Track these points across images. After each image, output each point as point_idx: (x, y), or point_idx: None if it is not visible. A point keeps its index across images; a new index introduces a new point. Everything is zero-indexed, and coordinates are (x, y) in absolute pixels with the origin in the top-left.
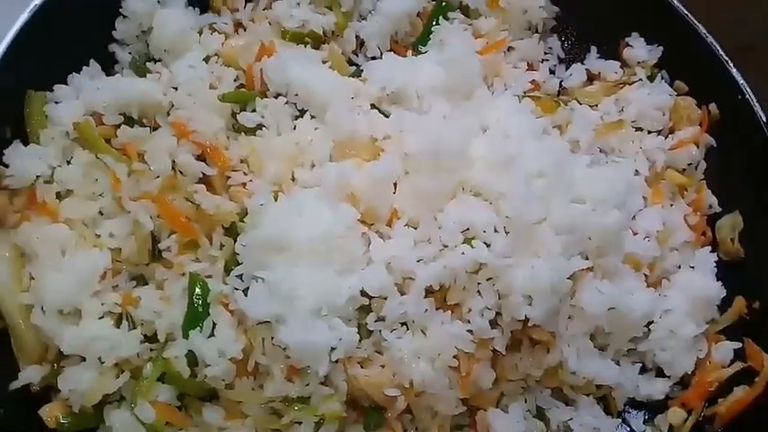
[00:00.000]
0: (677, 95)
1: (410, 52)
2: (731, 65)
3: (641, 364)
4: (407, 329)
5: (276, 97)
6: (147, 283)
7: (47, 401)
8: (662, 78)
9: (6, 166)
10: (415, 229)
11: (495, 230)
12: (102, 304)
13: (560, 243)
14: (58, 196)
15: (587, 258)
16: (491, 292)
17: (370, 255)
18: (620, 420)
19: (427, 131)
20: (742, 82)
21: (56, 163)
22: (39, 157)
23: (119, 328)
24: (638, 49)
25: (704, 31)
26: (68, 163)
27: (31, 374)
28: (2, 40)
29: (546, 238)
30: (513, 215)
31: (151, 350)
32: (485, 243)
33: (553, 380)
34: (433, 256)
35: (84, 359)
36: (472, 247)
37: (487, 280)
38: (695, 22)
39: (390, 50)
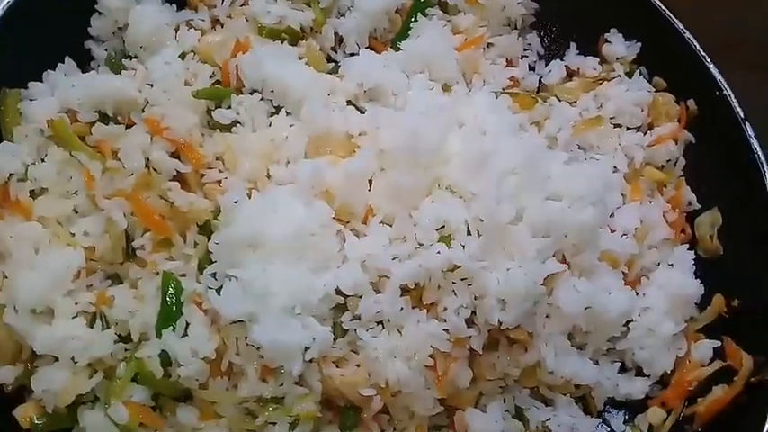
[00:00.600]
0: (656, 92)
1: (389, 48)
2: (708, 61)
3: (620, 364)
4: (383, 328)
5: (251, 94)
6: (121, 282)
7: (21, 402)
8: (640, 74)
9: None
10: (391, 226)
11: (469, 233)
12: (76, 303)
13: (535, 245)
14: (32, 194)
15: (564, 256)
16: (466, 293)
17: (344, 252)
18: (599, 420)
19: (403, 128)
20: (720, 78)
21: (30, 160)
22: (12, 154)
23: (92, 327)
24: (617, 45)
25: (682, 27)
26: (42, 161)
27: (4, 374)
28: None
29: (520, 239)
30: (486, 217)
31: (125, 350)
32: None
33: (531, 379)
34: (408, 254)
35: (57, 359)
36: (448, 247)
37: (462, 280)
38: (673, 18)
39: (369, 47)
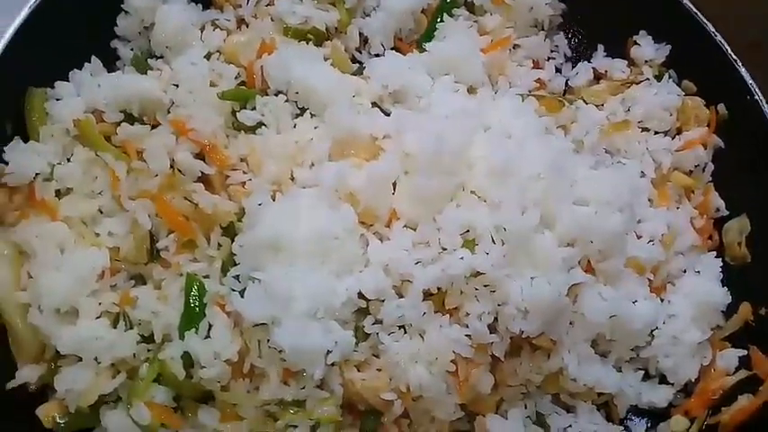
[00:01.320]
0: (685, 95)
1: (414, 49)
2: (740, 64)
3: (644, 371)
4: (405, 333)
5: (276, 95)
6: (145, 283)
7: (44, 401)
8: (669, 78)
9: (6, 163)
10: (414, 230)
11: (493, 241)
12: (100, 304)
13: (560, 254)
14: (58, 194)
15: (589, 262)
16: (489, 299)
17: (367, 256)
18: (621, 428)
19: (428, 131)
20: (751, 82)
21: (55, 160)
22: (38, 154)
23: (116, 328)
24: (646, 48)
25: (713, 30)
26: (68, 160)
27: (28, 374)
28: (2, 36)
29: (545, 247)
30: (510, 225)
31: (148, 350)
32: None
33: (553, 386)
34: (431, 259)
35: (80, 359)
36: (471, 253)
37: (485, 286)
38: (704, 20)
39: (394, 48)
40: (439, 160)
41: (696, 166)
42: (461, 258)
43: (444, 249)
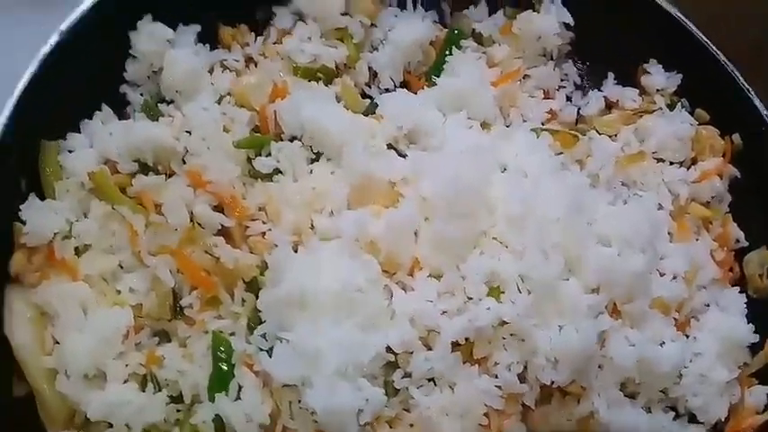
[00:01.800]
0: (699, 124)
1: (423, 82)
2: (753, 93)
3: (674, 411)
4: (435, 386)
5: (291, 140)
6: (169, 339)
7: None
8: (682, 107)
9: (23, 222)
10: (438, 278)
11: (519, 290)
12: (126, 365)
13: (587, 301)
14: (76, 251)
15: (615, 305)
16: (517, 349)
17: (393, 307)
18: None
19: (443, 174)
20: (766, 113)
21: (73, 217)
22: (56, 212)
23: (144, 391)
24: (657, 77)
25: (724, 59)
26: (85, 215)
27: None
28: (13, 92)
29: (571, 295)
30: (534, 274)
31: (177, 411)
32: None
33: (584, 429)
34: (457, 309)
35: (111, 425)
36: (497, 301)
37: (512, 335)
38: (716, 50)
39: (403, 81)
40: (457, 204)
41: (713, 197)
42: (488, 309)
43: (470, 299)
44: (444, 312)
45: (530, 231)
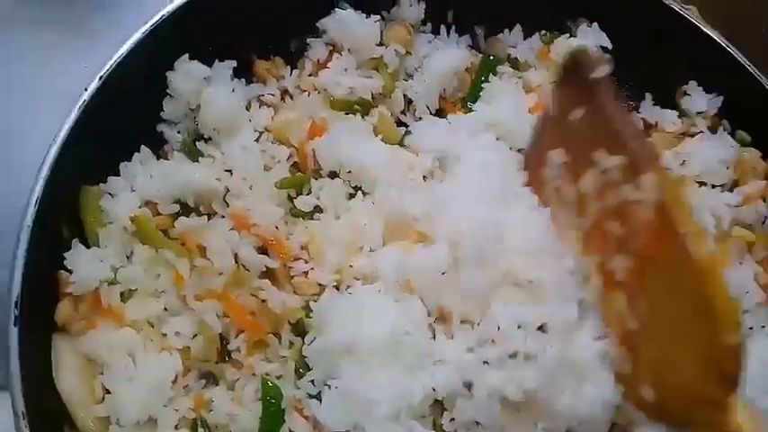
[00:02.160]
0: (740, 147)
1: (459, 109)
2: None
3: None
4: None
5: (332, 178)
6: (216, 381)
7: None
8: (724, 129)
9: (69, 270)
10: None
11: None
12: (176, 410)
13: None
14: (122, 296)
15: None
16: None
17: (434, 349)
18: None
19: (464, 217)
20: None
21: (118, 264)
22: (101, 259)
23: None
24: (698, 99)
25: (766, 81)
26: (127, 258)
27: None
28: (55, 140)
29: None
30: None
31: None
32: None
33: None
34: (497, 358)
35: None
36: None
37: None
38: (758, 73)
39: (439, 108)
40: (480, 248)
41: (756, 220)
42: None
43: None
44: (485, 362)
45: (547, 275)
